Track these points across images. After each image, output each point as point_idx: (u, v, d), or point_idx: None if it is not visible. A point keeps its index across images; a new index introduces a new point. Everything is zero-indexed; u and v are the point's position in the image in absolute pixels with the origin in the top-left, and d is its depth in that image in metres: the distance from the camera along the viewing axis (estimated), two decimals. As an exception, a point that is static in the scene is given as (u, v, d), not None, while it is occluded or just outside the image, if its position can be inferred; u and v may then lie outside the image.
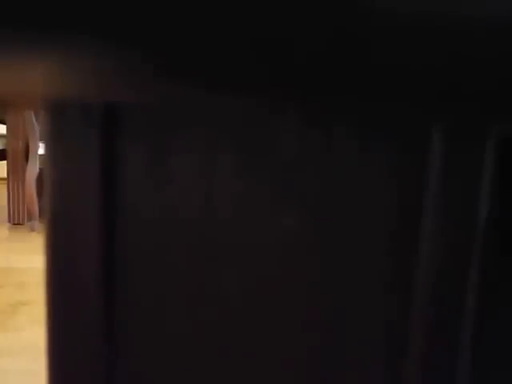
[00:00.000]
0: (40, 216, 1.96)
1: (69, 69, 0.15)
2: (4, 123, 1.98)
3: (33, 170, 1.88)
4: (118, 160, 0.21)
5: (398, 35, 0.14)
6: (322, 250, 0.22)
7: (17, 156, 1.96)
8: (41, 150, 1.87)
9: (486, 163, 0.20)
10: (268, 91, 0.16)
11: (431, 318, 0.21)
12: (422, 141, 0.21)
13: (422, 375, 0.22)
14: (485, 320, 0.22)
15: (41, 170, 1.88)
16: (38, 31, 0.14)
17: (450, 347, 0.21)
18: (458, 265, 0.21)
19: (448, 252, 0.21)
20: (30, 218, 1.97)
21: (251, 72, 0.15)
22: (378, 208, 0.21)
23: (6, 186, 2.01)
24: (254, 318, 0.22)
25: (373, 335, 0.22)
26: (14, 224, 2.00)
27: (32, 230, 1.92)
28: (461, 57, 0.14)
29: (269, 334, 0.22)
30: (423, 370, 0.22)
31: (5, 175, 2.02)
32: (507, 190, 0.21)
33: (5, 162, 2.00)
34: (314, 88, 0.16)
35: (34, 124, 1.82)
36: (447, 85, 0.15)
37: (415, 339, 0.22)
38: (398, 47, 0.14)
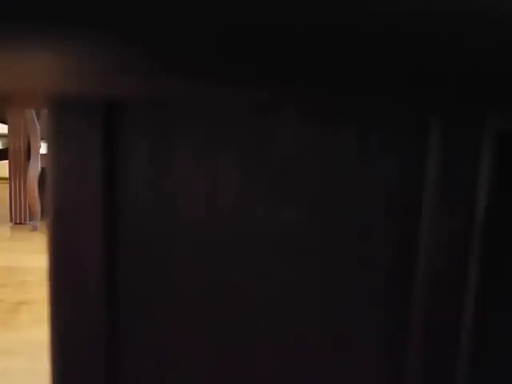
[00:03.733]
0: (42, 215, 1.97)
1: (70, 66, 0.15)
2: (5, 123, 1.98)
3: (34, 169, 1.88)
4: (120, 158, 0.21)
5: (396, 26, 0.14)
6: (321, 246, 0.22)
7: (18, 155, 1.96)
8: (42, 150, 1.88)
9: (485, 157, 0.20)
10: (268, 87, 0.16)
11: (431, 317, 0.21)
12: (420, 135, 0.21)
13: (421, 375, 0.22)
14: (485, 320, 0.22)
15: (43, 169, 1.89)
16: (38, 28, 0.14)
17: (449, 347, 0.21)
18: (457, 264, 0.21)
19: (447, 251, 0.21)
20: (31, 218, 1.97)
21: (251, 67, 0.15)
22: (377, 204, 0.21)
23: (7, 185, 2.01)
24: (254, 314, 0.22)
25: (373, 334, 0.22)
26: (16, 223, 2.00)
27: (34, 229, 1.92)
28: (459, 49, 0.14)
29: (268, 332, 0.22)
30: (423, 369, 0.22)
31: (6, 175, 2.02)
32: (506, 187, 0.21)
33: (6, 161, 2.00)
34: (313, 82, 0.16)
35: (36, 123, 1.82)
36: (445, 78, 0.15)
37: (415, 339, 0.22)
38: (397, 40, 0.14)
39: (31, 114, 1.80)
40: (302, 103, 0.18)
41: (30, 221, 2.00)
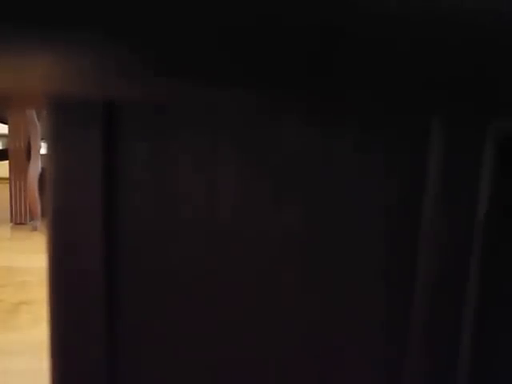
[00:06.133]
0: (42, 215, 1.97)
1: (70, 67, 0.15)
2: (6, 123, 1.98)
3: (35, 169, 1.88)
4: (120, 159, 0.21)
5: (397, 30, 0.14)
6: (321, 247, 0.22)
7: (19, 155, 1.96)
8: (43, 150, 1.87)
9: (486, 160, 0.20)
10: (268, 90, 0.16)
11: (431, 317, 0.21)
12: (421, 138, 0.21)
13: (422, 375, 0.22)
14: (485, 320, 0.22)
15: (43, 169, 1.89)
16: (39, 29, 0.14)
17: (449, 347, 0.21)
18: (457, 264, 0.21)
19: (447, 251, 0.21)
20: (32, 218, 1.97)
21: (251, 70, 0.15)
22: (378, 206, 0.21)
23: (8, 185, 2.01)
24: (254, 314, 0.22)
25: (373, 334, 0.22)
26: (17, 223, 2.00)
27: (34, 229, 1.92)
28: (460, 52, 0.14)
29: (268, 331, 0.22)
30: (423, 369, 0.22)
31: (7, 175, 2.02)
32: (507, 188, 0.21)
33: (7, 161, 2.00)
34: (314, 86, 0.16)
35: (36, 123, 1.82)
36: (447, 81, 0.15)
37: (415, 339, 0.22)
38: (398, 42, 0.14)
39: (31, 114, 1.80)
40: (301, 106, 0.18)
41: (30, 221, 2.00)
